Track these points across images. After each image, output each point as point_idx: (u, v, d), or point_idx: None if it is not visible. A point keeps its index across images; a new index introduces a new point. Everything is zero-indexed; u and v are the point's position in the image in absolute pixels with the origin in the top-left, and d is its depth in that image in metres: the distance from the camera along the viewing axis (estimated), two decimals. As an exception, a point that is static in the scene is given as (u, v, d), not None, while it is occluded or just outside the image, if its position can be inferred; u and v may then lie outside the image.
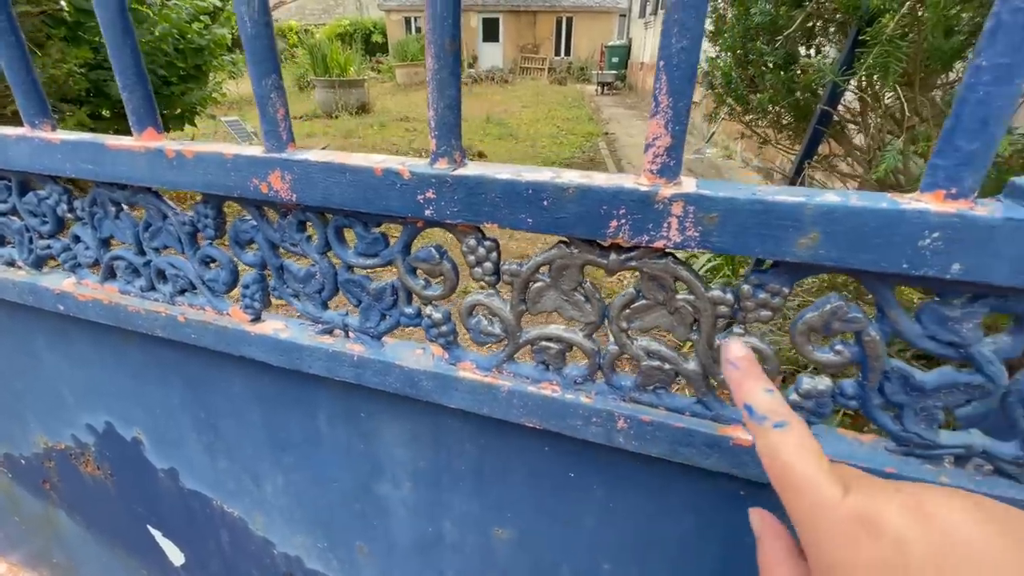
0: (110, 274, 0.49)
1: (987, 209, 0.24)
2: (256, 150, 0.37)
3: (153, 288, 0.47)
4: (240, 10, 0.32)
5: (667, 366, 0.33)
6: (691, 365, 0.33)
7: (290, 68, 15.44)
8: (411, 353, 0.40)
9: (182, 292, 0.46)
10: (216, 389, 0.52)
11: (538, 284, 0.34)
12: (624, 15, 19.13)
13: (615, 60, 13.82)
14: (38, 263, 0.53)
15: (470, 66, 19.55)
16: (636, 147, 6.25)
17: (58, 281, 0.52)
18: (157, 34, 3.92)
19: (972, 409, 0.28)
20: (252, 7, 0.32)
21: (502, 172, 0.31)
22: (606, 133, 7.23)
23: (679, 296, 0.31)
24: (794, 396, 0.31)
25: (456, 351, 0.39)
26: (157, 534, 0.76)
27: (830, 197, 0.26)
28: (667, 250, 0.30)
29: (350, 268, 0.39)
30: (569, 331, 0.35)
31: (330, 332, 0.42)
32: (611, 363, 0.35)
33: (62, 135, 0.42)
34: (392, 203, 0.33)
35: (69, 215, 0.48)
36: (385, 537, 0.53)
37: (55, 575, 0.99)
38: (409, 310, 0.39)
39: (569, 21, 20.59)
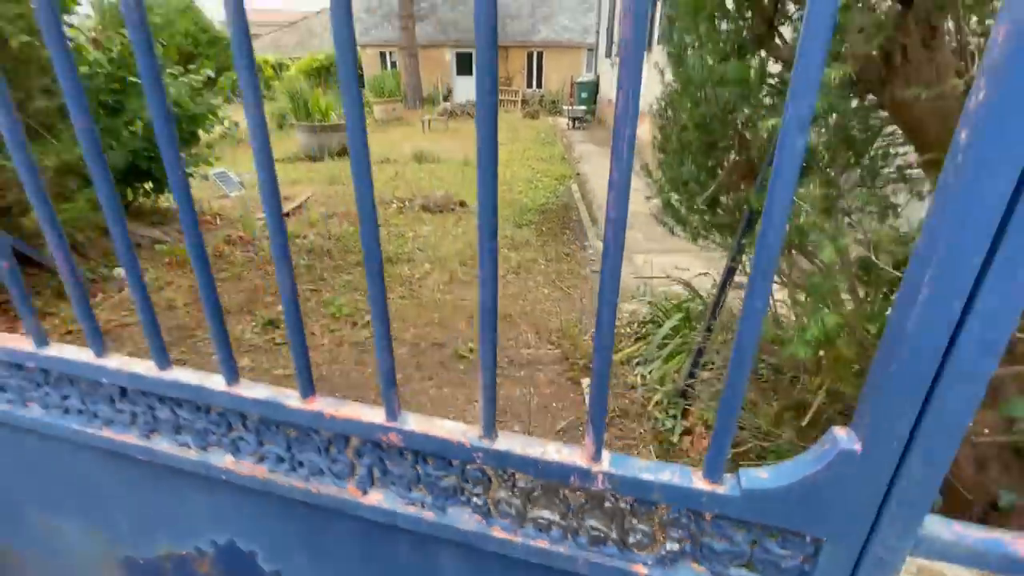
0: (261, 459, 0.78)
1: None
2: (379, 416, 0.66)
3: (294, 470, 0.76)
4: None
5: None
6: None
7: (269, 106, 15.66)
8: (463, 518, 0.70)
9: (316, 474, 0.75)
10: (329, 529, 0.81)
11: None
12: (592, 49, 20.02)
13: (584, 95, 14.49)
14: (204, 447, 0.81)
15: (445, 99, 20.12)
16: (605, 188, 6.68)
17: (220, 458, 0.80)
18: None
19: None
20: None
21: (530, 447, 0.61)
22: (578, 174, 7.68)
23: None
24: None
25: (489, 520, 0.69)
26: (254, 616, 1.02)
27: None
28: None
29: (427, 473, 0.69)
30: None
31: (412, 504, 0.72)
32: (576, 528, 0.65)
33: (254, 392, 0.71)
34: (457, 452, 0.63)
35: (240, 425, 0.76)
36: (438, 617, 0.82)
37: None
38: (462, 498, 0.68)
39: (540, 55, 21.41)
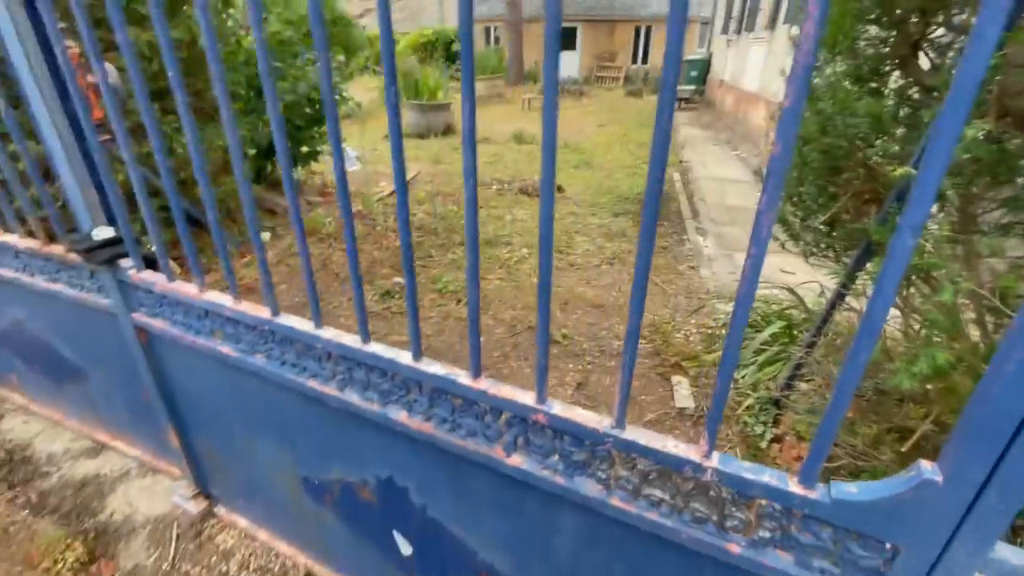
0: (428, 419, 1.01)
1: (824, 489, 0.67)
2: (530, 399, 0.85)
3: (454, 430, 0.98)
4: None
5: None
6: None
7: (376, 80, 16.55)
8: (588, 486, 0.87)
9: (471, 435, 0.97)
10: (473, 478, 1.03)
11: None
12: (707, 23, 18.76)
13: (693, 74, 13.74)
14: (385, 404, 1.06)
15: (545, 75, 19.95)
16: (710, 180, 6.44)
17: (397, 413, 1.05)
18: (299, 92, 4.75)
19: None
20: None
21: (653, 440, 0.77)
22: (681, 161, 7.44)
23: None
24: None
25: (609, 491, 0.86)
26: (398, 535, 1.30)
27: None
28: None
29: (563, 448, 0.87)
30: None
31: (547, 469, 0.91)
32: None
33: (432, 368, 0.94)
34: (590, 436, 0.81)
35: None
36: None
37: (314, 549, 1.58)
38: (589, 470, 0.86)
39: (648, 30, 20.45)
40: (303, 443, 1.34)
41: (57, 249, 1.56)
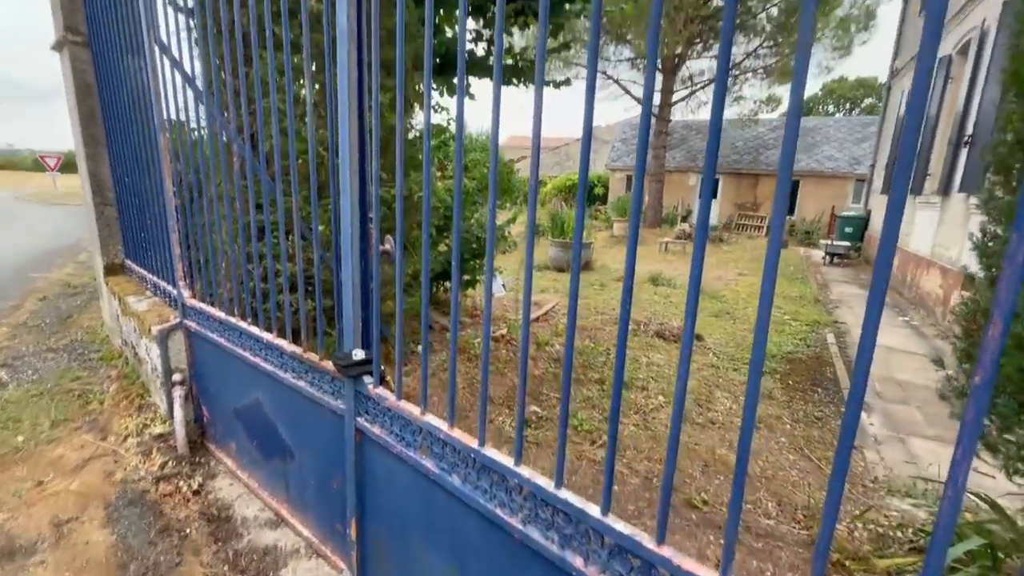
0: (604, 570, 1.12)
1: None
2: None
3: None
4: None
5: None
6: None
7: (524, 215, 18.50)
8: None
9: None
10: None
11: None
12: (863, 180, 18.29)
13: (848, 230, 13.17)
14: (563, 546, 1.20)
15: (683, 219, 20.66)
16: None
17: (574, 558, 1.17)
18: (471, 232, 5.66)
19: None
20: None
21: None
22: (835, 322, 6.96)
23: None
24: None
25: None
26: None
27: None
28: None
29: None
30: None
31: None
32: None
33: (618, 526, 1.08)
34: None
35: (596, 543, 1.13)
36: None
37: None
38: None
39: (795, 183, 20.47)
40: (473, 565, 1.50)
41: (313, 356, 2.07)
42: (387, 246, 1.73)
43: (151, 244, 3.48)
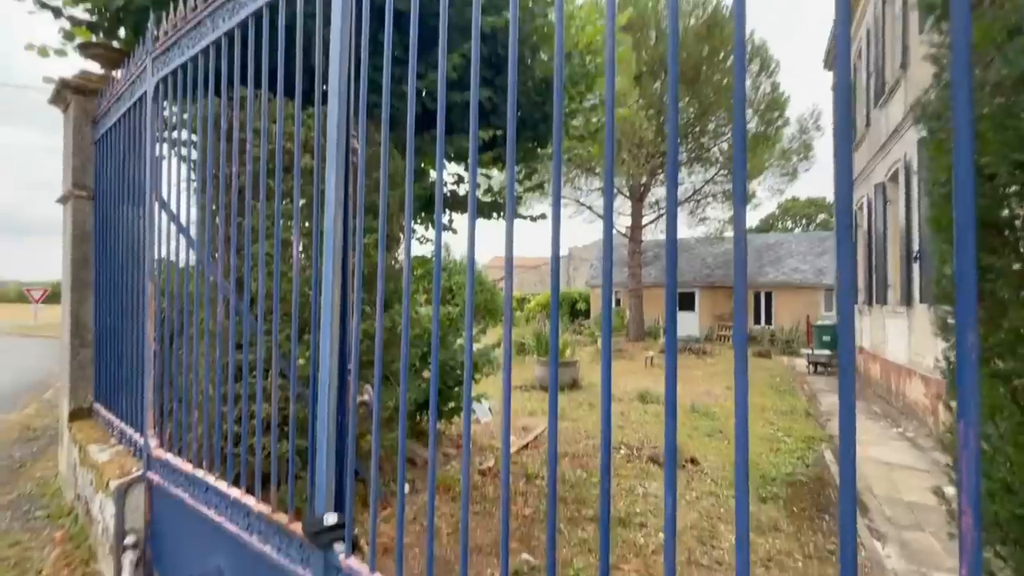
0: None
1: None
2: None
3: None
4: None
5: None
6: None
7: (518, 333, 18.61)
8: None
9: None
10: None
11: None
12: (831, 290, 19.17)
13: (825, 339, 13.47)
14: None
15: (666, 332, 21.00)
16: (874, 463, 5.68)
17: None
18: (457, 359, 5.65)
19: None
20: None
21: None
22: (831, 436, 6.79)
23: None
24: None
25: None
26: None
27: None
28: None
29: None
30: None
31: None
32: None
33: None
34: None
35: None
36: None
37: None
38: None
39: (768, 295, 21.33)
40: None
41: (282, 518, 1.91)
42: (366, 396, 1.70)
43: (124, 387, 3.37)
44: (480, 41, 1.36)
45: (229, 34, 2.18)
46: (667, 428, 0.98)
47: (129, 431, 3.21)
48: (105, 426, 3.72)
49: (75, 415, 4.10)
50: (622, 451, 6.06)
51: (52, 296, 23.98)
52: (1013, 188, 1.44)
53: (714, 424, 7.38)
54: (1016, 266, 1.53)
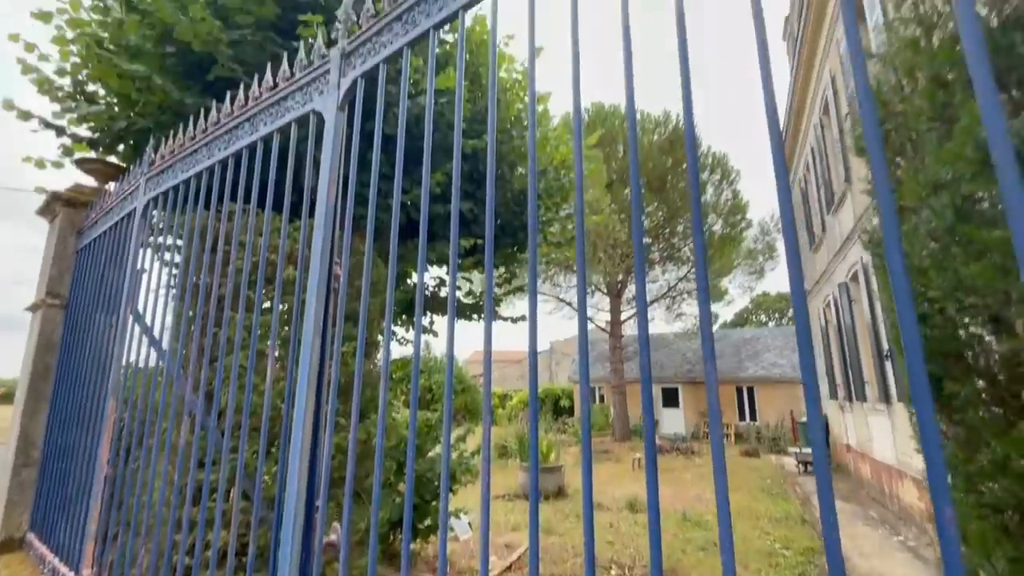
0: None
1: None
2: None
3: None
4: None
5: None
6: None
7: (492, 433, 17.89)
8: None
9: None
10: None
11: None
12: (809, 385, 19.25)
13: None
14: None
15: (652, 430, 20.44)
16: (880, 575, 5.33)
17: None
18: (435, 470, 5.34)
19: None
20: None
21: None
22: (830, 547, 6.41)
23: None
24: None
25: None
26: None
27: None
28: None
29: None
30: None
31: None
32: None
33: None
34: None
35: None
36: None
37: None
38: None
39: (751, 390, 21.27)
40: None
41: None
42: (333, 537, 1.57)
43: (65, 513, 3.06)
44: (462, 160, 1.47)
45: (223, 161, 2.32)
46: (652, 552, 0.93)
47: (63, 569, 2.86)
48: (36, 562, 3.31)
49: (4, 547, 3.66)
50: (613, 571, 5.59)
51: (7, 396, 22.52)
52: (966, 319, 1.53)
53: (707, 536, 6.93)
54: (980, 383, 1.58)
